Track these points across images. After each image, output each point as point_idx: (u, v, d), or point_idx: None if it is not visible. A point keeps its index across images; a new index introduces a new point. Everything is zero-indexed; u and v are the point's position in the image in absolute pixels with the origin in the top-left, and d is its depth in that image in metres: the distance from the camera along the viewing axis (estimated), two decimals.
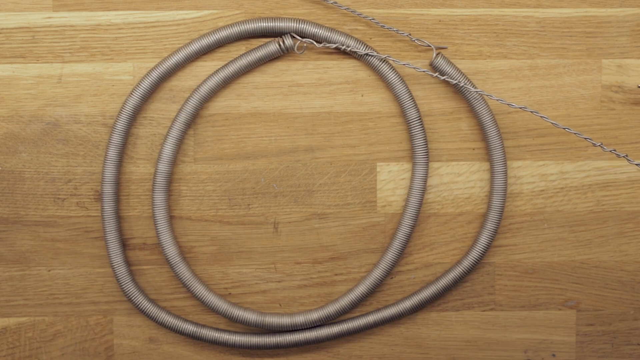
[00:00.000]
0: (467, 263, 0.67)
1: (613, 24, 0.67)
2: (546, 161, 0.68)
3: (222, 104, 0.67)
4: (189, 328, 0.67)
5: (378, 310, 0.68)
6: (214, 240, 0.68)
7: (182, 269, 0.66)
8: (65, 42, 0.66)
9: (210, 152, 0.68)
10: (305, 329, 0.68)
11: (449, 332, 0.70)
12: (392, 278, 0.69)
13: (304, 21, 0.65)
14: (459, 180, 0.68)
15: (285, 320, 0.67)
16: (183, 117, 0.65)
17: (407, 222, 0.66)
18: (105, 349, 0.69)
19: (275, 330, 0.68)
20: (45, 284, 0.68)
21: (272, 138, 0.67)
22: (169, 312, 0.67)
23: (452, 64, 0.65)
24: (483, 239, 0.67)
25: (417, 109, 0.66)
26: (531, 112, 0.63)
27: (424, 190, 0.66)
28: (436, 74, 0.64)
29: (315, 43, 0.65)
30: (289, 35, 0.65)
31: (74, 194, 0.67)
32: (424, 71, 0.64)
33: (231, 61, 0.66)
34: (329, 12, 0.67)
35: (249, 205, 0.68)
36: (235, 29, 0.65)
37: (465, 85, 0.64)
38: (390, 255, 0.67)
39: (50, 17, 0.66)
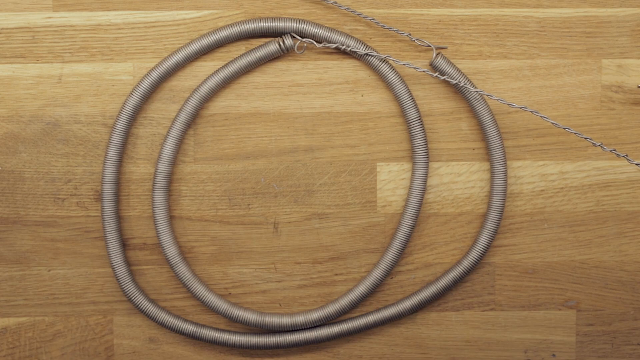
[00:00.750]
0: (467, 263, 0.67)
1: (613, 24, 0.67)
2: (546, 161, 0.68)
3: (222, 104, 0.67)
4: (189, 328, 0.67)
5: (378, 310, 0.68)
6: (214, 240, 0.68)
7: (182, 269, 0.66)
8: (65, 42, 0.66)
9: (210, 152, 0.68)
10: (305, 329, 0.68)
11: (449, 332, 0.70)
12: (392, 278, 0.69)
13: (304, 21, 0.65)
14: (459, 180, 0.68)
15: (285, 320, 0.67)
16: (183, 117, 0.65)
17: (407, 222, 0.66)
18: (105, 349, 0.69)
19: (275, 330, 0.68)
20: (45, 284, 0.68)
21: (272, 138, 0.67)
22: (169, 312, 0.67)
23: (452, 64, 0.65)
24: (483, 239, 0.67)
25: (417, 109, 0.66)
26: (531, 112, 0.63)
27: (424, 190, 0.66)
28: (436, 74, 0.64)
29: (315, 43, 0.65)
30: (289, 35, 0.65)
31: (74, 194, 0.67)
32: (424, 71, 0.64)
33: (231, 61, 0.66)
34: (329, 12, 0.67)
35: (249, 205, 0.68)
36: (235, 29, 0.65)
37: (465, 85, 0.64)
38: (390, 255, 0.67)
39: (50, 17, 0.66)
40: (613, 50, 0.67)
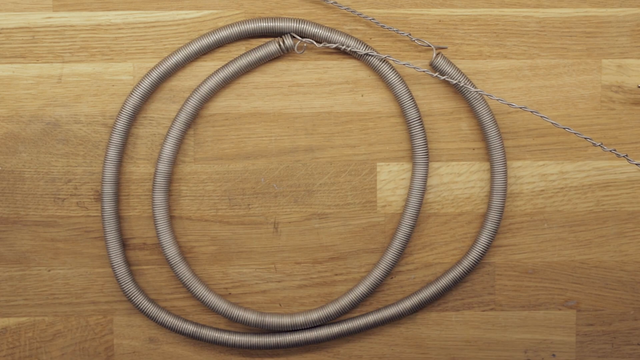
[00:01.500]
0: (467, 263, 0.67)
1: (613, 24, 0.67)
2: (546, 161, 0.68)
3: (222, 104, 0.67)
4: (189, 328, 0.67)
5: (378, 310, 0.68)
6: (214, 240, 0.68)
7: (182, 269, 0.66)
8: (65, 42, 0.66)
9: (210, 152, 0.68)
10: (305, 329, 0.68)
11: (449, 332, 0.70)
12: (392, 278, 0.69)
13: (304, 21, 0.65)
14: (459, 180, 0.68)
15: (285, 320, 0.67)
16: (183, 117, 0.65)
17: (407, 222, 0.66)
18: (105, 349, 0.69)
19: (275, 330, 0.68)
20: (45, 284, 0.68)
21: (272, 138, 0.67)
22: (169, 312, 0.67)
23: (452, 64, 0.65)
24: (483, 239, 0.67)
25: (417, 109, 0.66)
26: (531, 112, 0.63)
27: (424, 190, 0.66)
28: (436, 74, 0.64)
29: (315, 43, 0.65)
30: (289, 35, 0.65)
31: (74, 194, 0.67)
32: (424, 71, 0.64)
33: (231, 61, 0.66)
34: (329, 12, 0.67)
35: (249, 205, 0.68)
36: (235, 29, 0.65)
37: (465, 85, 0.64)
38: (390, 255, 0.67)
39: (50, 17, 0.66)
40: (613, 50, 0.67)
